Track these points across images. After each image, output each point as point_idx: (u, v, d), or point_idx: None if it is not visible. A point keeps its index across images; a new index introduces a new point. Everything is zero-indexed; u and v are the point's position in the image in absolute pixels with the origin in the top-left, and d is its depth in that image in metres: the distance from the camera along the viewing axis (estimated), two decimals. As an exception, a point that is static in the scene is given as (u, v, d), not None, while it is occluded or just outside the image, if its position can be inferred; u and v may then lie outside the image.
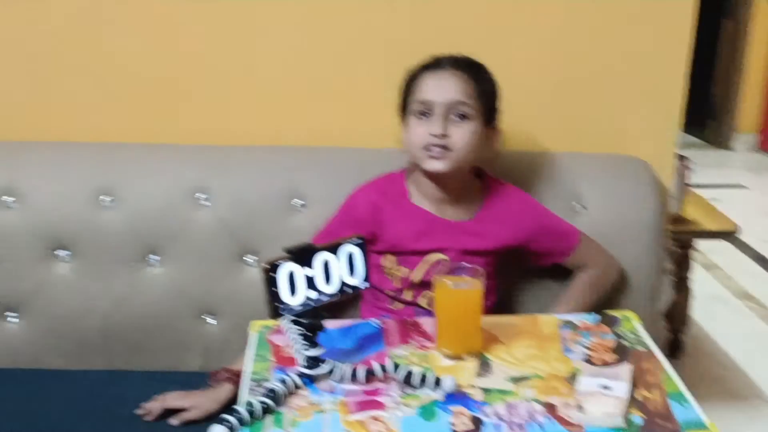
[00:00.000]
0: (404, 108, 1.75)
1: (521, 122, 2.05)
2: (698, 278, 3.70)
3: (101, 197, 1.89)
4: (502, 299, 1.85)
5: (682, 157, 2.85)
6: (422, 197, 1.78)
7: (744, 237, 4.34)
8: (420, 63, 1.74)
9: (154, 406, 1.74)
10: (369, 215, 1.76)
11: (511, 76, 2.00)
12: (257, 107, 2.04)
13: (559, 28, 2.02)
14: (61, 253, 1.90)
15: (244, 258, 1.91)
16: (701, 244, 4.09)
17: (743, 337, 3.31)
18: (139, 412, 1.74)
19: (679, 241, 2.95)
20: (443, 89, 1.68)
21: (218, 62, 2.01)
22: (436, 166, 1.69)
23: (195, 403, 1.71)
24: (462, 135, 1.68)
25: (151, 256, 1.91)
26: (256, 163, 1.95)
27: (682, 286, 3.02)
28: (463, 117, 1.68)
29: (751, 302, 3.64)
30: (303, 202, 1.91)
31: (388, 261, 1.78)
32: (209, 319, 1.93)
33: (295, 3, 1.98)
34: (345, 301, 1.81)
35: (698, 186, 4.90)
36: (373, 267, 1.75)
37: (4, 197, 1.89)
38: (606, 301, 1.86)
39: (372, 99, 2.01)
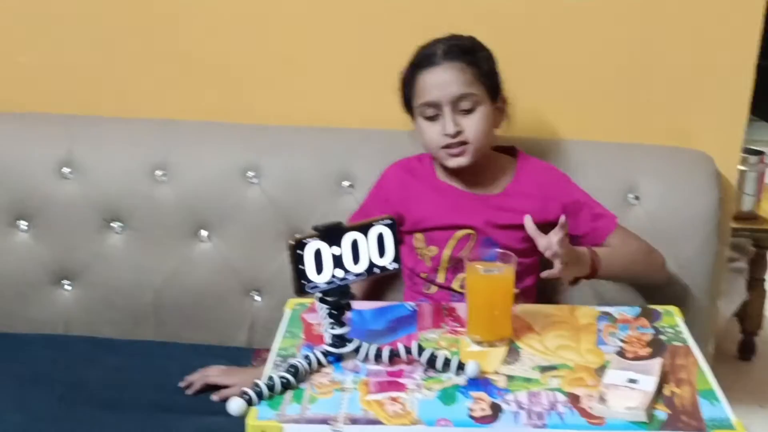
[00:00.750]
0: (408, 107, 1.74)
1: (581, 110, 2.02)
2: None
3: (156, 172, 1.94)
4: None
5: (760, 153, 2.74)
6: (449, 176, 1.77)
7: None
8: (411, 60, 1.71)
9: (197, 379, 1.78)
10: (397, 192, 1.76)
11: (573, 62, 1.99)
12: (311, 88, 2.05)
13: (625, 14, 1.97)
14: (116, 225, 1.96)
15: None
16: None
17: (821, 342, 3.18)
18: (181, 384, 1.79)
19: (754, 240, 2.85)
20: (444, 86, 1.66)
21: (275, 43, 2.03)
22: (459, 162, 1.69)
23: (236, 380, 1.73)
24: (475, 125, 1.67)
25: (202, 231, 1.95)
26: (308, 144, 1.97)
27: (756, 287, 2.92)
28: (471, 106, 1.67)
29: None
30: (352, 184, 1.92)
31: (417, 241, 1.77)
32: (256, 296, 1.97)
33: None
34: (388, 288, 1.83)
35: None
36: (408, 249, 1.75)
37: (63, 168, 1.96)
38: (658, 297, 1.81)
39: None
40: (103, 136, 2.00)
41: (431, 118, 1.68)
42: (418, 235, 1.77)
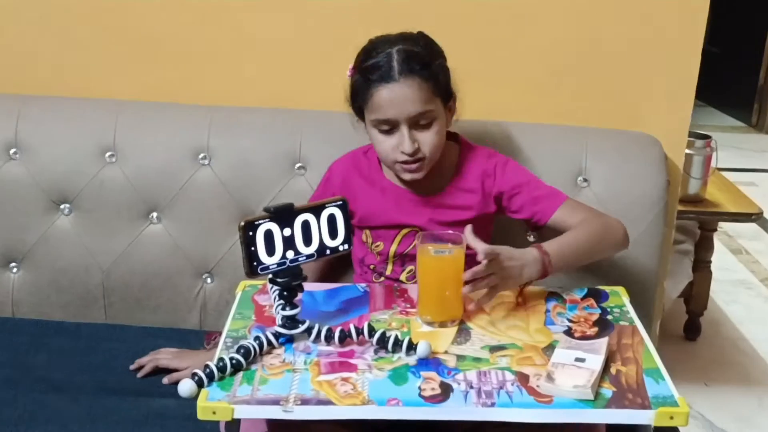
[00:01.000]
0: (357, 111, 1.68)
1: (530, 93, 2.03)
2: (723, 262, 3.66)
3: (105, 153, 1.92)
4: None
5: (707, 138, 2.79)
6: (394, 173, 1.72)
7: (777, 223, 4.27)
8: (362, 65, 1.62)
9: (147, 362, 1.77)
10: (342, 189, 1.73)
11: (523, 45, 2.00)
12: (263, 69, 2.04)
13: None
14: (64, 207, 1.94)
15: (245, 219, 1.92)
16: (731, 228, 4.05)
17: (764, 322, 3.25)
18: (132, 367, 1.77)
19: (700, 222, 2.90)
20: (402, 105, 1.58)
21: (227, 23, 2.02)
22: (415, 176, 1.65)
23: (187, 364, 1.72)
24: (432, 139, 1.62)
25: (152, 213, 1.93)
26: (260, 126, 1.96)
27: (702, 268, 2.98)
28: (429, 122, 1.61)
29: (776, 288, 3.58)
30: (303, 166, 1.91)
31: (365, 235, 1.76)
32: (207, 279, 1.96)
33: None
34: (340, 274, 1.83)
35: (736, 170, 4.88)
36: (357, 240, 1.75)
37: (10, 150, 1.93)
38: (605, 278, 1.84)
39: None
40: (51, 116, 1.96)
41: (386, 132, 1.62)
42: (366, 231, 1.75)
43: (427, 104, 1.59)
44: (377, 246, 1.73)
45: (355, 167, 1.77)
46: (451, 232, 1.50)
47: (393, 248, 1.73)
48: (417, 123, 1.60)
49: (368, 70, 1.60)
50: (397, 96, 1.57)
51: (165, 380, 1.73)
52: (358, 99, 1.64)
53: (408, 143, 1.59)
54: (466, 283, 1.46)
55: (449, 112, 1.68)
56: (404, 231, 1.72)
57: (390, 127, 1.60)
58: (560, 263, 1.56)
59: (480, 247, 1.46)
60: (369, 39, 1.65)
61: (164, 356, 1.77)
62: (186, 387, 1.26)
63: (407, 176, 1.65)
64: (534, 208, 1.70)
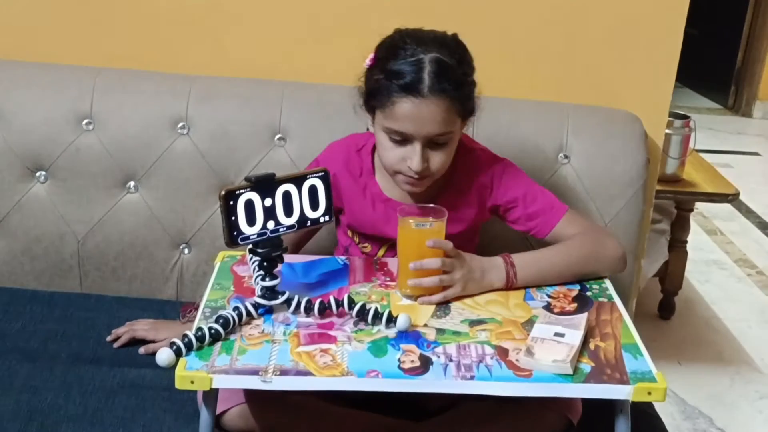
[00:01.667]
0: (368, 106, 1.54)
1: (513, 68, 2.02)
2: (699, 242, 3.69)
3: (82, 121, 1.89)
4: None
5: (686, 118, 2.80)
6: (386, 176, 1.61)
7: (751, 204, 4.30)
8: (388, 65, 1.46)
9: (123, 332, 1.75)
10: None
11: (505, 21, 1.99)
12: (244, 38, 2.02)
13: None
14: (40, 174, 1.90)
15: (223, 190, 1.91)
16: (706, 209, 4.08)
17: (737, 302, 3.29)
18: (108, 338, 1.76)
19: (677, 202, 2.92)
20: (422, 123, 1.45)
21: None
22: (414, 190, 1.56)
23: (164, 335, 1.70)
24: (442, 159, 1.51)
25: (130, 182, 1.91)
26: (239, 96, 1.93)
27: (677, 248, 2.99)
28: (445, 141, 1.50)
29: (749, 268, 3.60)
30: (283, 137, 1.89)
31: (351, 233, 1.70)
32: (185, 249, 1.94)
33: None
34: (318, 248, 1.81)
35: (712, 151, 4.92)
36: (343, 231, 1.72)
37: (-15, 115, 1.90)
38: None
39: (358, 38, 1.98)
40: (27, 82, 1.93)
41: (397, 141, 1.49)
42: (353, 232, 1.70)
43: (449, 126, 1.47)
44: (364, 247, 1.69)
45: (345, 166, 1.64)
46: (432, 205, 1.49)
47: (381, 253, 1.68)
48: (432, 141, 1.48)
49: (394, 75, 1.45)
50: (422, 114, 1.44)
51: (141, 350, 1.71)
52: (376, 100, 1.49)
53: (418, 162, 1.47)
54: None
55: (464, 124, 1.57)
56: (392, 242, 1.58)
57: (402, 138, 1.48)
58: (528, 277, 1.51)
59: (447, 246, 1.45)
60: (397, 30, 1.52)
61: (141, 327, 1.75)
62: (164, 356, 1.25)
63: (406, 188, 1.56)
64: (530, 223, 1.62)
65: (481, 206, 1.65)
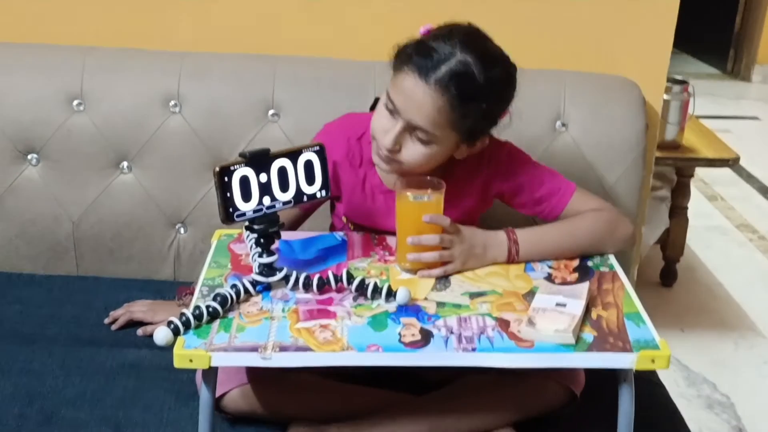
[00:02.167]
0: (393, 63, 1.47)
1: (510, 36, 1.98)
2: (699, 208, 3.68)
3: (73, 101, 1.86)
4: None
5: (684, 83, 2.77)
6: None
7: (752, 169, 4.28)
8: (427, 41, 1.41)
9: (121, 314, 1.74)
10: (331, 173, 1.49)
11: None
12: (234, 13, 1.98)
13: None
14: (31, 156, 1.88)
15: (218, 168, 1.88)
16: (707, 175, 4.06)
17: (739, 268, 3.28)
18: (106, 321, 1.75)
19: (677, 168, 2.90)
20: (411, 104, 1.39)
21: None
22: (380, 165, 1.51)
23: (162, 317, 1.67)
24: (416, 155, 1.44)
25: (123, 162, 1.89)
26: (231, 72, 1.90)
27: (679, 215, 2.98)
28: (427, 140, 1.43)
29: (750, 233, 3.59)
30: (277, 113, 1.87)
31: (346, 220, 1.65)
32: (181, 229, 1.92)
33: None
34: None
35: (711, 117, 4.89)
36: (338, 220, 1.69)
37: (-26, 98, 1.87)
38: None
39: (351, 10, 1.96)
40: (16, 64, 1.90)
41: (389, 111, 1.44)
42: (348, 220, 1.66)
43: (431, 126, 1.40)
44: (360, 234, 1.63)
45: (345, 155, 1.58)
46: (430, 178, 1.47)
47: (377, 240, 1.61)
48: (414, 132, 1.43)
49: (423, 50, 1.40)
50: (416, 96, 1.39)
51: (139, 332, 1.70)
52: (398, 59, 1.44)
53: (390, 139, 1.43)
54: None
55: (465, 146, 1.49)
56: (389, 233, 1.56)
57: (392, 109, 1.43)
58: (532, 253, 1.49)
59: (444, 222, 1.43)
60: (470, 24, 1.46)
61: (138, 308, 1.74)
62: (161, 335, 1.24)
63: (375, 159, 1.51)
64: (538, 207, 1.59)
65: (484, 195, 1.60)
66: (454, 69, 1.37)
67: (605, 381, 1.31)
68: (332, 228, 1.72)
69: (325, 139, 1.56)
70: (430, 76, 1.37)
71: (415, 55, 1.40)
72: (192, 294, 1.41)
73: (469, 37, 1.42)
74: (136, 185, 1.89)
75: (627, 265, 1.93)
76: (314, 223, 1.68)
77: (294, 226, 1.64)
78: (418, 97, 1.39)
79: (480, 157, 1.55)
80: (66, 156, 1.87)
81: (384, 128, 1.45)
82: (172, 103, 1.86)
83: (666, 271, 3.09)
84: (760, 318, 2.89)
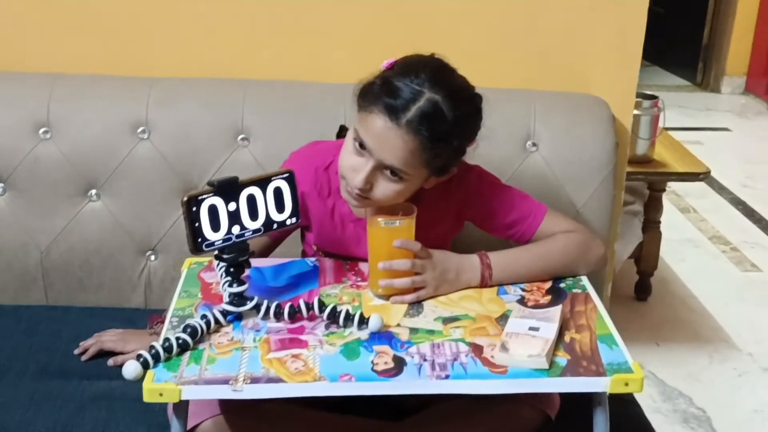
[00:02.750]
0: (357, 102, 1.45)
1: (476, 58, 1.99)
2: (673, 221, 3.70)
3: (39, 129, 1.85)
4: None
5: (654, 98, 2.79)
6: None
7: (723, 180, 4.31)
8: (393, 78, 1.39)
9: (91, 344, 1.72)
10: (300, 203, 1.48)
11: (468, 10, 1.96)
12: (201, 38, 1.98)
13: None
14: (-2, 185, 1.87)
15: (188, 194, 1.87)
16: (679, 188, 4.09)
17: (712, 280, 3.29)
18: (76, 351, 1.72)
19: (649, 183, 2.91)
20: (383, 145, 1.38)
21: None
22: (351, 202, 1.49)
23: (133, 347, 1.66)
24: (387, 192, 1.42)
25: (91, 190, 1.87)
26: (200, 97, 1.89)
27: (652, 229, 2.99)
28: (397, 180, 1.41)
29: (723, 245, 3.61)
30: (247, 137, 1.86)
31: (318, 250, 1.64)
32: (151, 256, 1.90)
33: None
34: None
35: (682, 129, 4.93)
36: (309, 248, 1.67)
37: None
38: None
39: (320, 33, 1.96)
40: (-19, 91, 1.88)
41: (357, 150, 1.42)
42: (319, 248, 1.64)
43: (406, 167, 1.39)
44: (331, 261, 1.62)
45: (315, 187, 1.57)
46: (402, 203, 1.46)
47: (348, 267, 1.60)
48: (384, 171, 1.41)
49: (389, 89, 1.38)
50: (388, 138, 1.37)
51: (110, 362, 1.68)
52: (363, 99, 1.42)
53: (361, 179, 1.40)
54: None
55: (434, 178, 1.49)
56: (360, 260, 1.55)
57: (361, 148, 1.41)
58: (504, 276, 1.49)
59: (415, 247, 1.43)
60: (433, 55, 1.45)
61: (109, 338, 1.72)
62: (131, 369, 1.22)
63: (344, 195, 1.48)
64: (510, 231, 1.58)
65: (454, 220, 1.60)
66: (424, 109, 1.36)
67: (580, 403, 1.31)
68: (303, 255, 1.71)
69: (292, 168, 1.56)
70: (401, 118, 1.36)
71: (383, 96, 1.38)
72: (164, 322, 1.39)
73: (436, 73, 1.40)
74: (105, 213, 1.87)
75: (601, 281, 1.94)
76: (286, 248, 1.67)
77: (265, 253, 1.63)
78: (390, 139, 1.37)
79: (449, 182, 1.54)
80: (33, 184, 1.85)
81: (354, 167, 1.42)
82: (141, 129, 1.85)
83: (640, 285, 3.09)
84: (734, 330, 2.91)
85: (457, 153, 1.45)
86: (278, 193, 1.36)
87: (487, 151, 1.69)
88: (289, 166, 1.56)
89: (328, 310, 1.33)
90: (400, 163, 1.39)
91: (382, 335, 1.32)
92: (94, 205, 1.87)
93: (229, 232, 1.31)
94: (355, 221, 1.57)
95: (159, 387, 1.19)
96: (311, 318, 1.35)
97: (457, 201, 1.57)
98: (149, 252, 1.90)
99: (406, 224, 1.43)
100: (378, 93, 1.39)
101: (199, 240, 1.28)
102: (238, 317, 1.36)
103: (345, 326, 1.33)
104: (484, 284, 1.48)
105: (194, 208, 1.27)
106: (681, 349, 2.80)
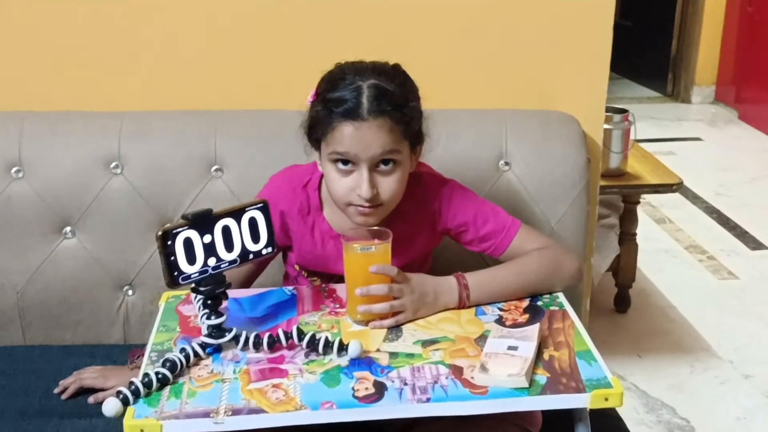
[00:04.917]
0: (314, 141, 1.51)
1: (445, 79, 2.01)
2: (649, 232, 3.72)
3: (11, 169, 1.84)
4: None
5: (624, 112, 2.82)
6: (335, 212, 1.57)
7: (697, 189, 4.35)
8: (326, 95, 1.45)
9: (71, 383, 1.70)
10: (277, 225, 1.55)
11: (434, 32, 1.98)
12: (169, 71, 1.98)
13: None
14: (-29, 226, 1.85)
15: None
16: (654, 199, 4.12)
17: (690, 289, 3.32)
18: (56, 390, 1.71)
19: (624, 196, 2.94)
20: (367, 145, 1.42)
21: (129, 27, 1.95)
22: (368, 221, 1.49)
23: (113, 383, 1.65)
24: (392, 186, 1.47)
25: (66, 227, 1.86)
26: (171, 129, 1.89)
27: (628, 241, 3.01)
28: (393, 167, 1.46)
29: (699, 254, 3.64)
30: (220, 168, 1.86)
31: (299, 268, 1.66)
32: (129, 291, 1.89)
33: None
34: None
35: (654, 140, 4.98)
36: (291, 267, 1.69)
37: None
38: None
39: (289, 63, 1.96)
40: (-50, 132, 1.87)
41: (343, 171, 1.46)
42: (301, 267, 1.66)
43: (395, 147, 1.44)
44: (314, 280, 1.65)
45: (294, 205, 1.59)
46: (376, 228, 1.47)
47: (329, 285, 1.62)
48: (379, 167, 1.46)
49: (333, 102, 1.43)
50: (364, 136, 1.42)
51: (91, 399, 1.66)
52: (317, 131, 1.48)
53: (366, 187, 1.43)
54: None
55: (415, 156, 1.54)
56: (342, 276, 1.54)
57: (348, 165, 1.45)
58: (482, 296, 1.50)
59: (392, 272, 1.44)
60: (337, 64, 1.50)
61: (89, 375, 1.70)
62: (110, 406, 1.21)
63: (359, 220, 1.49)
64: (484, 244, 1.60)
65: (431, 232, 1.62)
66: (373, 93, 1.43)
67: (562, 419, 1.32)
68: (286, 276, 1.72)
69: (272, 191, 1.60)
70: (362, 113, 1.42)
71: (333, 110, 1.43)
72: (142, 357, 1.39)
73: (357, 68, 1.47)
74: (80, 249, 1.86)
75: (579, 295, 1.96)
76: (268, 272, 1.69)
77: (250, 279, 1.64)
78: (367, 134, 1.42)
79: (425, 196, 1.57)
80: (6, 224, 1.84)
81: (349, 187, 1.46)
82: (114, 164, 1.85)
83: (619, 298, 3.11)
84: (714, 338, 2.93)
85: (420, 113, 1.51)
86: (253, 223, 1.36)
87: (460, 170, 1.72)
88: (268, 188, 1.62)
89: (307, 338, 1.33)
90: (388, 146, 1.44)
91: (362, 361, 1.32)
92: (69, 243, 1.87)
93: (205, 264, 1.31)
94: (335, 237, 1.58)
95: (140, 423, 1.19)
96: (291, 347, 1.35)
97: (432, 212, 1.60)
98: (126, 287, 1.89)
99: (382, 249, 1.43)
100: (328, 113, 1.44)
101: (176, 274, 1.28)
102: (218, 349, 1.35)
103: (325, 354, 1.33)
104: (462, 305, 1.49)
105: (169, 242, 1.27)
106: (662, 359, 2.81)
